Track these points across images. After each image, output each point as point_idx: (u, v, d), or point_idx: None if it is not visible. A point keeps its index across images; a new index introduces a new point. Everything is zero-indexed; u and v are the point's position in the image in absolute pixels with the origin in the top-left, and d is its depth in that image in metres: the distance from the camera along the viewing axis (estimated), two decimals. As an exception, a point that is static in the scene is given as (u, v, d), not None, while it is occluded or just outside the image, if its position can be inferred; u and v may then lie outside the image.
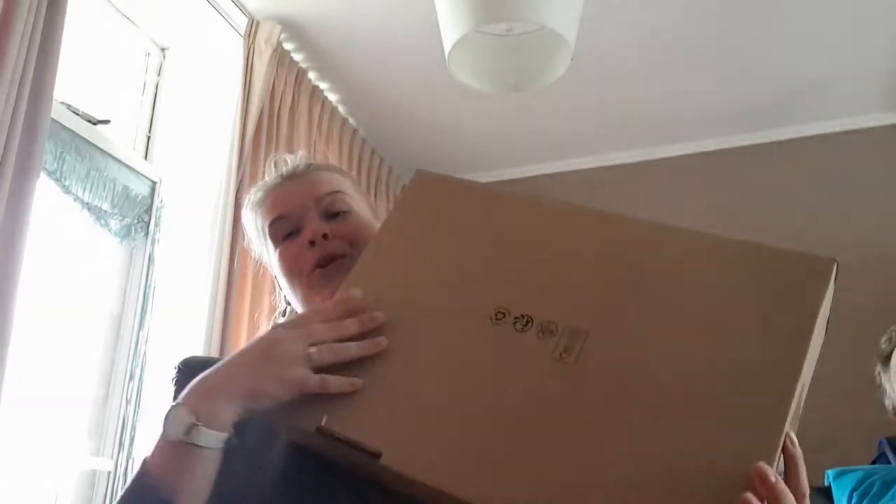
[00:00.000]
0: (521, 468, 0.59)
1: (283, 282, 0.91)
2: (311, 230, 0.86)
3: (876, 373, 1.53)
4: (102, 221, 2.22)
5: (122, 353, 2.28)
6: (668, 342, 0.64)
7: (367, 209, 0.95)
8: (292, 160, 0.95)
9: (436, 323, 0.70)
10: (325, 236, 0.86)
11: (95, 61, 2.36)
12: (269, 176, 0.98)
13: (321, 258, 0.86)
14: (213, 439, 0.63)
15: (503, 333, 0.67)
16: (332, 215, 0.89)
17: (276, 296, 1.02)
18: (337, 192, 0.91)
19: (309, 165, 0.94)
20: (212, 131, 2.57)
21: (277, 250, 0.90)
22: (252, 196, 0.96)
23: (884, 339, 1.51)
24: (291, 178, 0.92)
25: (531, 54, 2.16)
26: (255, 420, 0.84)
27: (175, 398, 1.01)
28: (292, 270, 0.88)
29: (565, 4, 1.95)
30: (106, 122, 2.27)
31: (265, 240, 0.93)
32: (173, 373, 1.04)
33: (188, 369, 1.04)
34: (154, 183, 2.44)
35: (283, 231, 0.90)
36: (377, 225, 0.91)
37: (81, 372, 2.19)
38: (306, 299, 0.88)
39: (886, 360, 1.48)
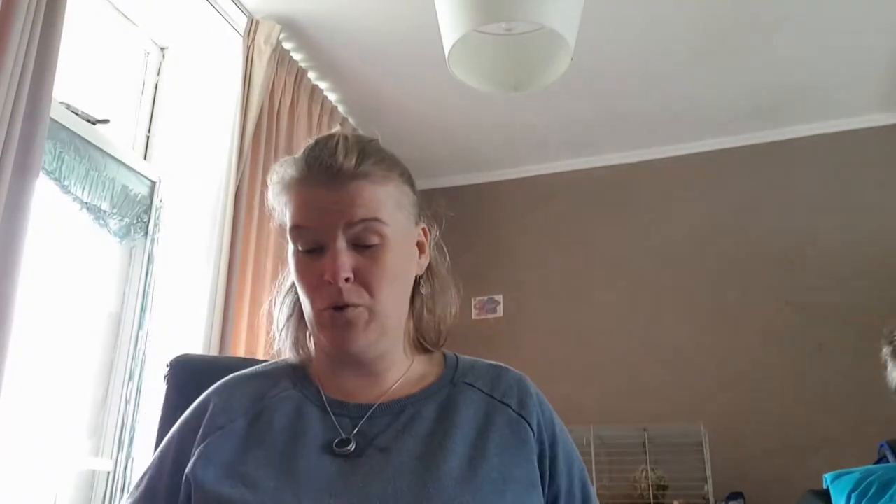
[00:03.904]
0: None
1: (297, 285, 0.86)
2: (333, 269, 0.79)
3: (883, 353, 1.52)
4: (102, 221, 2.22)
5: (121, 353, 2.28)
6: None
7: (404, 225, 0.86)
8: (343, 149, 0.82)
9: None
10: (347, 279, 0.80)
11: (95, 61, 2.36)
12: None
13: (336, 303, 0.81)
14: None
15: None
16: (362, 246, 0.82)
17: (281, 276, 0.94)
18: (372, 219, 0.81)
19: (356, 168, 0.82)
20: (211, 131, 2.57)
21: (295, 256, 0.85)
22: (284, 170, 0.86)
23: None
24: (328, 183, 0.81)
25: (531, 54, 2.16)
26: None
27: (167, 396, 1.01)
28: (306, 286, 0.83)
29: (565, 4, 1.95)
30: (105, 121, 2.27)
31: (286, 228, 0.86)
32: (165, 370, 1.04)
33: (180, 367, 1.04)
34: (153, 183, 2.44)
35: (305, 244, 0.83)
36: (409, 248, 0.88)
37: (81, 372, 2.19)
38: (313, 328, 0.85)
39: None
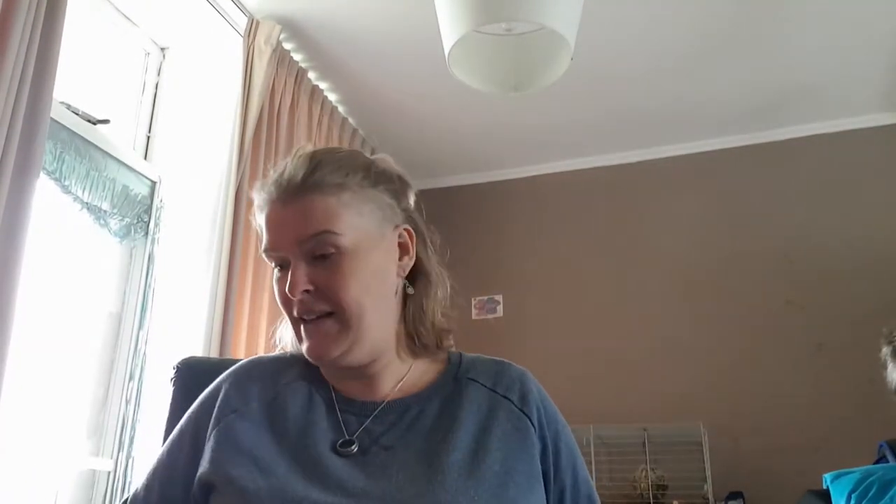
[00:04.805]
0: None
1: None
2: (292, 286, 0.83)
3: (883, 353, 1.52)
4: (102, 221, 2.22)
5: (121, 353, 2.28)
6: None
7: (369, 231, 0.86)
8: (291, 168, 0.86)
9: None
10: (306, 291, 0.83)
11: (95, 61, 2.36)
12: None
13: (303, 312, 0.84)
14: None
15: None
16: (318, 256, 0.84)
17: None
18: (322, 232, 0.83)
19: (304, 182, 0.84)
20: (212, 131, 2.57)
21: (273, 272, 0.89)
22: (255, 196, 0.89)
23: None
24: (283, 201, 0.85)
25: (531, 54, 2.16)
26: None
27: (174, 398, 1.02)
28: (280, 301, 0.87)
29: (565, 4, 1.95)
30: (105, 121, 2.27)
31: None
32: (172, 373, 1.04)
33: (187, 370, 1.05)
34: (154, 183, 2.44)
35: (275, 262, 0.87)
36: (379, 253, 0.86)
37: (81, 372, 2.19)
38: (295, 340, 0.89)
39: None
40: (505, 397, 0.88)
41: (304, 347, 0.86)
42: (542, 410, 0.88)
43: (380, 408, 0.85)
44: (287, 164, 0.87)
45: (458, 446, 0.80)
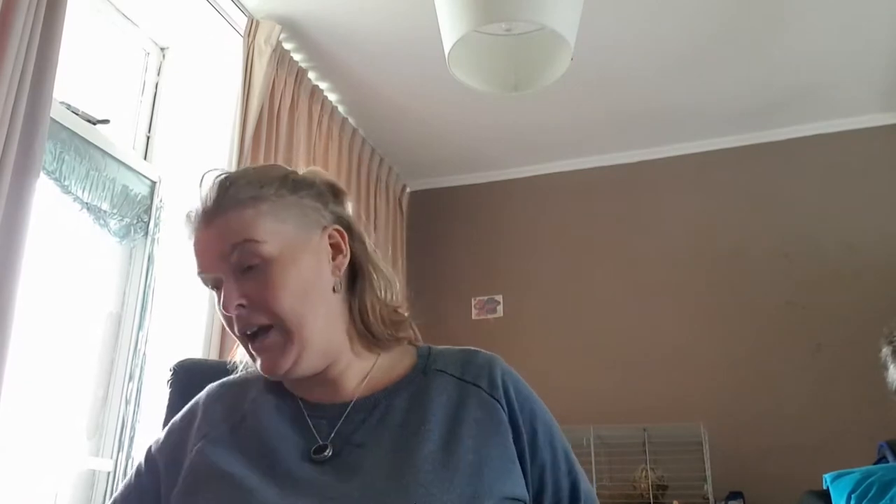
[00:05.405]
0: None
1: None
2: (225, 301, 0.83)
3: (883, 354, 1.52)
4: (102, 221, 2.22)
5: (121, 353, 2.28)
6: None
7: (294, 236, 0.86)
8: (204, 194, 0.87)
9: None
10: (241, 306, 0.83)
11: (95, 61, 2.36)
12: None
13: (243, 327, 0.84)
14: None
15: None
16: (246, 268, 0.84)
17: None
18: (244, 241, 0.83)
19: (218, 202, 0.85)
20: (211, 131, 2.57)
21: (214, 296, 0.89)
22: (184, 229, 0.90)
23: None
24: (204, 225, 0.86)
25: (531, 54, 2.16)
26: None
27: (170, 400, 1.02)
28: (226, 323, 0.87)
29: (565, 4, 1.95)
30: (105, 121, 2.27)
31: None
32: (168, 375, 1.04)
33: (183, 372, 1.05)
34: (153, 183, 2.44)
35: (210, 285, 0.87)
36: (308, 256, 0.86)
37: (81, 372, 2.19)
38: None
39: None
40: (474, 384, 0.87)
41: (257, 366, 0.86)
42: (512, 394, 0.87)
43: (350, 407, 0.85)
44: (201, 191, 0.88)
45: (429, 438, 0.80)
